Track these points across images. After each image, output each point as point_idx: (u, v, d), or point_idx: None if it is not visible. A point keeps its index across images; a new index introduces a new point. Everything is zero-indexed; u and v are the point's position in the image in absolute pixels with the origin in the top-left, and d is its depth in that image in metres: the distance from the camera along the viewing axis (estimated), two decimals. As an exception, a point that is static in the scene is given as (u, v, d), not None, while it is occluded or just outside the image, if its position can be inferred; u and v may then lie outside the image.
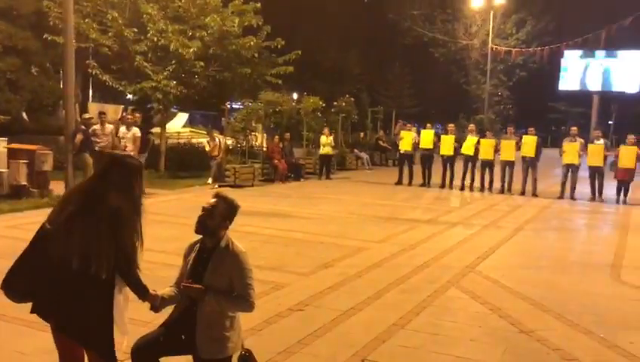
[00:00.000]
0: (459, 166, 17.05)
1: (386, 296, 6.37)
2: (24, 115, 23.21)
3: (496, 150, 16.20)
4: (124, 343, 3.38)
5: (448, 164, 17.01)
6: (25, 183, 12.06)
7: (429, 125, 18.19)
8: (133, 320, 3.96)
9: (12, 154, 12.38)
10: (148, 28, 16.76)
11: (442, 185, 16.98)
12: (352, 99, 23.41)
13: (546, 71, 37.94)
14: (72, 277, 3.06)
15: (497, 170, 16.34)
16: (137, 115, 14.09)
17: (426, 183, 17.21)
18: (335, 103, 22.74)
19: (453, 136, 17.01)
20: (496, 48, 35.74)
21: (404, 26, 39.86)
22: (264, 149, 18.17)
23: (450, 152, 16.82)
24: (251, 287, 3.44)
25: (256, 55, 18.95)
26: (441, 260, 8.15)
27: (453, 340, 5.18)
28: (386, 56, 46.41)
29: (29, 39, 22.30)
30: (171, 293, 3.51)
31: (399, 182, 17.59)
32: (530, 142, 15.71)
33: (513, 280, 7.17)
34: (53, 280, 3.11)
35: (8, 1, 21.91)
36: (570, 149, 15.20)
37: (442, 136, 17.33)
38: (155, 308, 3.42)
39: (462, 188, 16.78)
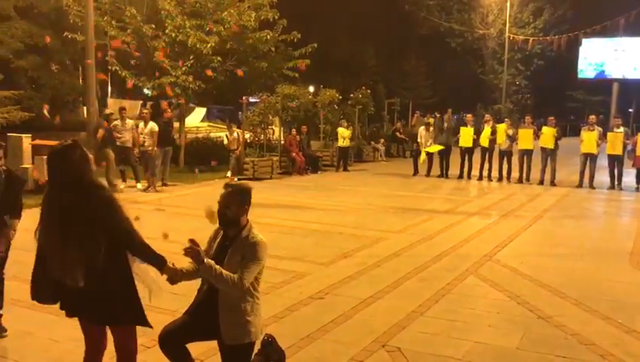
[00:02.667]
0: (477, 156, 17.01)
1: (405, 285, 6.47)
2: (46, 111, 23.60)
3: (514, 139, 16.11)
4: (153, 297, 3.48)
5: (466, 155, 16.98)
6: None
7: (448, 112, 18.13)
8: (157, 308, 4.11)
9: (36, 150, 12.65)
10: (166, 24, 16.94)
11: (460, 176, 16.97)
12: (369, 91, 23.40)
13: (565, 59, 37.49)
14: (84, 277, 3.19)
15: (515, 159, 16.29)
16: (145, 110, 14.25)
17: (443, 174, 17.20)
18: (351, 95, 22.76)
19: (472, 128, 16.93)
20: (513, 37, 35.44)
21: (420, 16, 39.64)
22: (281, 142, 18.31)
23: (469, 144, 16.77)
24: (248, 272, 3.43)
25: (272, 49, 19.05)
26: (460, 249, 8.22)
27: (472, 326, 5.27)
28: (402, 47, 46.23)
29: (50, 37, 22.67)
30: (190, 268, 3.56)
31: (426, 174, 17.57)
32: (549, 133, 15.59)
33: (532, 268, 7.22)
34: (64, 284, 3.24)
35: (29, -1, 22.30)
36: (589, 138, 15.09)
37: (461, 128, 17.23)
38: (172, 280, 3.48)
39: (480, 179, 16.76)
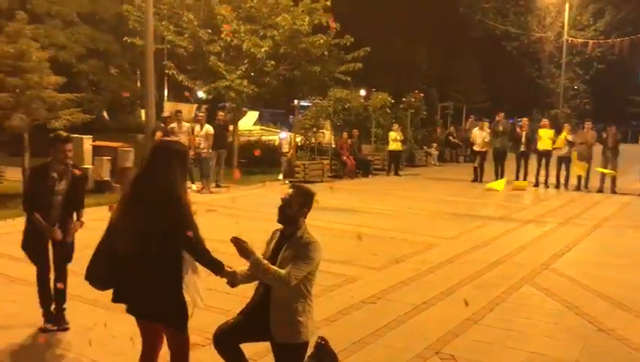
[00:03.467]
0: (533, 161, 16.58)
1: (458, 292, 6.35)
2: (105, 113, 24.41)
3: (573, 144, 15.58)
4: (197, 306, 3.52)
5: (522, 160, 16.57)
6: (108, 179, 12.73)
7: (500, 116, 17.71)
8: (212, 308, 4.17)
9: (96, 151, 13.10)
10: (221, 28, 17.24)
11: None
12: (421, 94, 23.17)
13: (626, 63, 36.13)
14: (135, 260, 3.29)
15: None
16: (201, 114, 14.55)
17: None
18: (404, 99, 22.59)
19: (552, 131, 16.36)
20: (572, 40, 34.38)
21: (475, 19, 39.00)
22: (333, 146, 18.33)
23: (549, 146, 16.08)
24: (297, 270, 3.44)
25: (325, 53, 19.12)
26: (515, 257, 8.02)
27: (528, 336, 5.13)
28: (455, 50, 45.59)
29: (110, 42, 23.48)
30: (249, 272, 3.60)
31: (476, 180, 17.23)
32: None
33: (591, 278, 6.97)
34: (121, 267, 3.35)
35: (91, 6, 23.15)
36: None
37: (540, 131, 16.55)
38: (232, 284, 3.58)
39: (536, 185, 16.32)
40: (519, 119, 24.16)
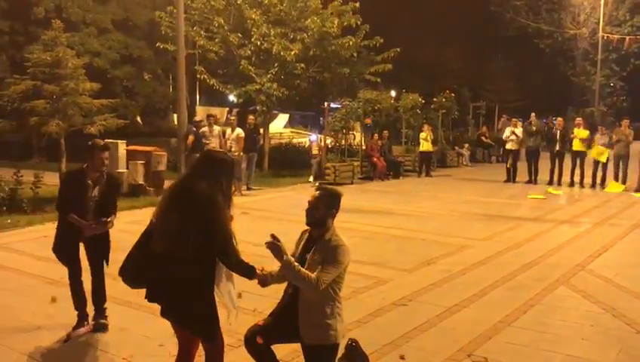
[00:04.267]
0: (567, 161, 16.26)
1: (491, 294, 6.28)
2: (139, 118, 24.83)
3: (612, 144, 15.23)
4: (230, 318, 3.58)
5: (557, 160, 16.26)
6: (142, 182, 12.95)
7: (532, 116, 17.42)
8: (242, 309, 4.21)
9: (130, 155, 13.34)
10: (252, 32, 17.39)
11: (550, 182, 16.27)
12: (453, 94, 22.95)
13: (666, 58, 35.14)
14: (168, 263, 3.34)
15: (611, 165, 15.46)
16: (232, 117, 14.68)
17: (532, 180, 16.59)
18: (434, 99, 22.41)
19: (587, 131, 16.10)
20: (607, 37, 33.62)
21: (507, 17, 38.44)
22: (363, 147, 18.30)
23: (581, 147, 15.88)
24: (327, 274, 3.44)
25: (354, 54, 19.11)
26: (550, 258, 7.89)
27: (563, 339, 5.05)
28: (487, 49, 45.04)
29: (143, 48, 23.89)
30: (279, 273, 3.63)
31: (509, 180, 17.01)
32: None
33: (629, 280, 6.81)
34: (156, 268, 3.40)
35: (124, 13, 23.60)
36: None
37: (575, 130, 16.26)
38: (263, 285, 3.61)
39: (571, 185, 16.01)
40: (554, 118, 23.77)
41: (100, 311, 5.19)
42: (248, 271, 3.48)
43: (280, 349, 3.80)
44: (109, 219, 5.07)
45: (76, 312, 5.14)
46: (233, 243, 3.42)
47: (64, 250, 5.13)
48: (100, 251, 5.13)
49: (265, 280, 3.58)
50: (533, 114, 17.43)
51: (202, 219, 3.32)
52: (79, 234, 5.05)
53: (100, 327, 5.13)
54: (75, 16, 21.82)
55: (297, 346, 3.71)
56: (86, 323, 5.13)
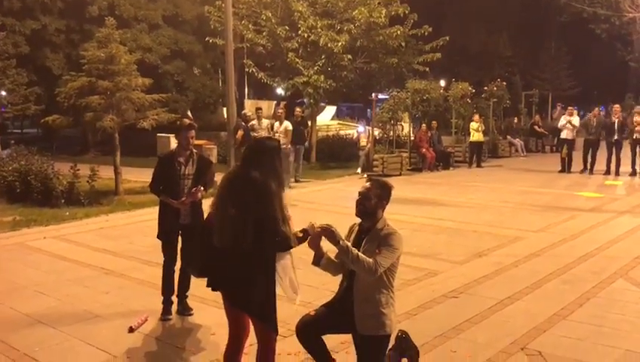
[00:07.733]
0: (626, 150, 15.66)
1: (546, 286, 6.12)
2: (189, 112, 25.25)
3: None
4: (296, 302, 3.61)
5: (614, 149, 15.66)
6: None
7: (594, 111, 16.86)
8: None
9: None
10: (299, 25, 17.42)
11: (607, 172, 15.72)
12: (504, 83, 22.40)
13: None
14: (231, 254, 3.40)
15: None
16: (280, 110, 14.75)
17: (587, 168, 16.05)
18: (485, 88, 21.93)
19: (617, 119, 15.54)
20: (669, 19, 32.13)
21: (560, 2, 37.22)
22: (411, 138, 18.10)
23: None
24: (384, 258, 3.45)
25: (402, 44, 18.89)
26: (607, 250, 7.62)
27: (622, 333, 4.87)
28: (539, 36, 43.72)
29: (193, 43, 24.27)
30: (335, 259, 3.67)
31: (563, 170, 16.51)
32: None
33: (693, 273, 6.52)
34: (216, 257, 3.47)
35: (174, 9, 24.03)
36: None
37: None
38: (316, 261, 3.63)
39: (632, 174, 15.38)
40: (611, 106, 22.92)
41: (183, 298, 5.34)
42: (301, 240, 3.51)
43: (330, 340, 3.80)
44: (197, 189, 5.14)
45: (161, 299, 5.29)
46: (286, 226, 3.43)
47: (165, 235, 5.30)
48: (193, 234, 5.20)
49: (319, 256, 3.60)
50: (596, 109, 16.86)
51: (258, 207, 3.38)
52: (177, 219, 5.20)
53: (185, 310, 5.31)
54: (127, 13, 22.35)
55: (347, 337, 3.70)
56: (169, 316, 5.27)
